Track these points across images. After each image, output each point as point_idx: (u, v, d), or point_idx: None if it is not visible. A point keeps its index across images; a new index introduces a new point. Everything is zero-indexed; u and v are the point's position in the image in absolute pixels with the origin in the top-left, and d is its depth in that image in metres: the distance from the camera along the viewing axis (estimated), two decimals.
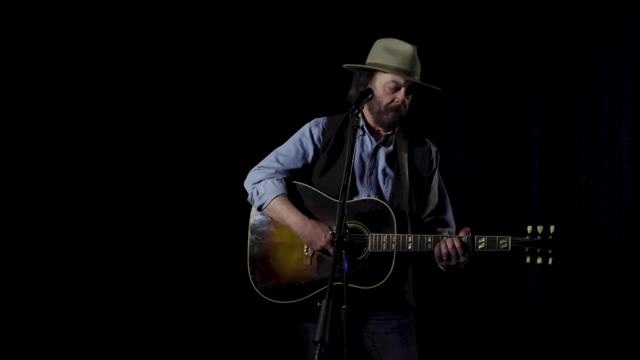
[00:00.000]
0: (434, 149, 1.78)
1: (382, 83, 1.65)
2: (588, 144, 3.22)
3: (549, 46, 3.27)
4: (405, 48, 1.67)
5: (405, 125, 1.78)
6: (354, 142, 1.41)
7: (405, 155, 1.72)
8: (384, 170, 1.71)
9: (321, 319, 1.22)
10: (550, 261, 1.53)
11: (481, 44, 3.40)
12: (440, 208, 1.77)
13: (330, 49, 2.98)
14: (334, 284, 1.27)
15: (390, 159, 1.72)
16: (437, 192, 1.77)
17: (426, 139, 1.81)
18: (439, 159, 1.79)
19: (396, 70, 1.63)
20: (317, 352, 1.21)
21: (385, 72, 1.64)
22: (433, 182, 1.76)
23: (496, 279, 3.47)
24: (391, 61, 1.65)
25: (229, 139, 3.34)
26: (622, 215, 3.16)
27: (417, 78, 1.66)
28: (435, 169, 1.76)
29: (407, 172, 1.70)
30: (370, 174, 1.71)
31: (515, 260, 3.29)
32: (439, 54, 3.38)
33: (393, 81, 1.64)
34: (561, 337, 3.34)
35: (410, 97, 1.67)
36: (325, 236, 1.62)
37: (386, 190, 1.70)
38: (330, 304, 1.23)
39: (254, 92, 3.47)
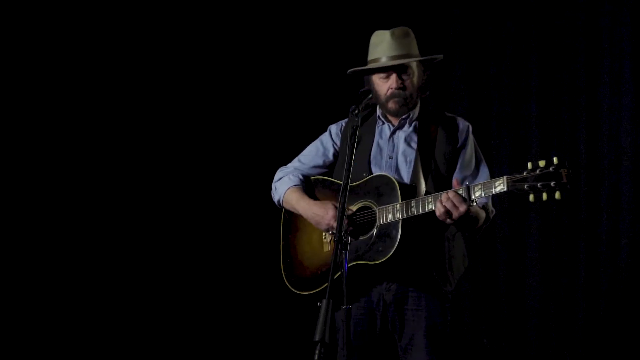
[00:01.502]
0: (462, 125, 1.74)
1: (376, 77, 1.69)
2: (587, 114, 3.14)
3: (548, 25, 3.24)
4: (384, 37, 1.69)
5: (430, 107, 1.80)
6: (354, 142, 1.49)
7: (428, 136, 1.72)
8: (404, 152, 1.71)
9: (321, 319, 1.26)
10: (557, 195, 1.35)
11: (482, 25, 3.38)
12: (474, 177, 1.69)
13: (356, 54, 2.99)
14: (350, 264, 1.38)
15: (410, 141, 1.72)
16: (470, 163, 1.72)
17: (455, 116, 1.78)
18: (469, 132, 1.73)
19: (380, 61, 1.66)
20: (316, 352, 1.25)
21: (373, 67, 1.68)
22: (464, 155, 1.71)
23: (496, 277, 3.41)
24: (375, 54, 1.69)
25: (269, 144, 3.41)
26: (623, 207, 3.08)
27: (404, 59, 1.66)
28: (464, 143, 1.71)
29: (431, 151, 1.69)
30: (390, 157, 1.72)
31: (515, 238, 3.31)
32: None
33: (381, 71, 1.67)
34: (560, 336, 3.27)
35: (408, 77, 1.67)
36: (327, 213, 1.65)
37: (407, 171, 1.69)
38: (331, 303, 1.28)
39: (285, 99, 3.57)
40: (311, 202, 1.74)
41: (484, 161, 1.75)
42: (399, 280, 1.66)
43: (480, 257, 3.37)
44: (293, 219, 1.85)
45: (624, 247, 3.10)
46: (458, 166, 1.70)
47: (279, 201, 1.84)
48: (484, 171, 1.73)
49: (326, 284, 1.50)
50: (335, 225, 1.50)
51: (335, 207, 1.60)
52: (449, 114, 1.80)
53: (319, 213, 1.68)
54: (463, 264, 1.75)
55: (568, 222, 3.22)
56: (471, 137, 1.73)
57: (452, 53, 3.32)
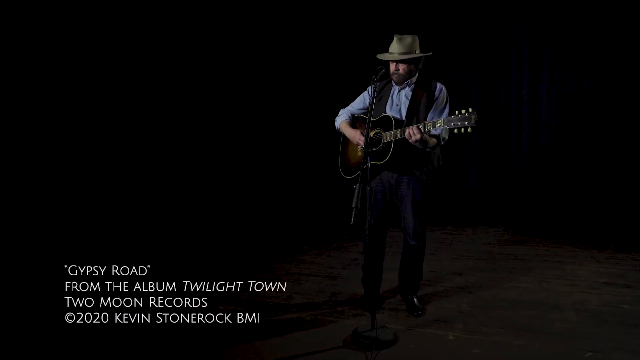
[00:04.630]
0: (439, 87, 2.89)
1: (389, 62, 2.86)
2: (504, 95, 5.93)
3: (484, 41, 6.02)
4: (396, 39, 2.82)
5: (425, 79, 2.92)
6: (374, 98, 2.70)
7: (417, 94, 2.86)
8: (404, 103, 2.90)
9: (355, 194, 2.26)
10: (469, 130, 2.47)
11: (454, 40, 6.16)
12: (439, 115, 2.83)
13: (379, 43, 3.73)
14: (364, 167, 2.52)
15: (408, 96, 2.90)
16: (438, 110, 2.84)
17: (437, 84, 2.90)
18: (442, 92, 2.88)
19: (391, 55, 2.82)
20: (352, 215, 2.18)
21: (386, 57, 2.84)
22: (434, 105, 2.84)
23: (452, 169, 6.12)
24: (391, 49, 2.83)
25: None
26: (523, 127, 5.82)
27: (403, 57, 2.79)
28: (436, 98, 2.86)
29: (417, 102, 2.84)
30: (397, 105, 2.91)
31: (463, 151, 6.12)
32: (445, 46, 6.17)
33: (389, 60, 2.85)
34: (488, 201, 6.00)
35: (403, 65, 2.82)
36: (357, 135, 2.94)
37: (405, 112, 2.87)
38: (361, 186, 2.30)
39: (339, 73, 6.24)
40: (352, 129, 3.01)
41: (447, 108, 2.87)
42: (398, 172, 2.91)
43: (449, 162, 6.08)
44: (345, 139, 3.13)
45: (523, 155, 5.84)
46: (432, 109, 2.84)
47: (338, 127, 3.13)
48: (445, 113, 2.85)
49: (359, 172, 2.78)
50: (360, 141, 2.90)
51: (362, 133, 2.91)
52: (434, 81, 2.92)
53: (356, 135, 2.96)
54: (438, 163, 2.96)
55: (493, 140, 5.96)
56: (443, 93, 2.88)
57: (450, 52, 6.20)
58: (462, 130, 2.46)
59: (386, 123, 2.82)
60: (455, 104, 3.00)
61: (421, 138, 2.61)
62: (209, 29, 5.74)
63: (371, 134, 2.88)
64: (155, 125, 5.33)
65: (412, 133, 2.61)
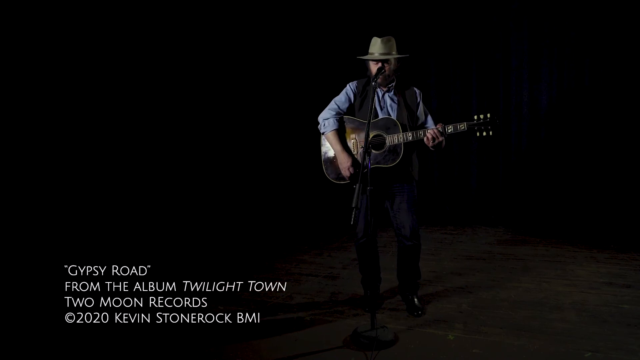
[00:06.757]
0: (418, 91, 3.00)
1: (371, 63, 2.87)
2: (504, 94, 5.90)
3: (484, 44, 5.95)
4: (377, 41, 2.82)
5: (403, 83, 3.00)
6: (373, 96, 2.62)
7: (402, 97, 2.95)
8: (391, 105, 2.93)
9: (355, 194, 2.28)
10: (491, 133, 2.75)
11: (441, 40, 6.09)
12: (424, 121, 3.01)
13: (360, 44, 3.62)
14: (371, 166, 2.55)
15: (393, 99, 2.94)
16: (422, 113, 2.98)
17: (414, 88, 3.00)
18: (421, 96, 3.00)
19: (374, 55, 2.82)
20: (352, 215, 2.20)
21: (370, 58, 2.84)
22: (419, 108, 2.97)
23: (453, 171, 6.15)
24: (372, 50, 2.85)
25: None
26: (523, 127, 5.83)
27: (385, 56, 2.80)
28: (419, 102, 2.97)
29: (403, 105, 2.92)
30: (382, 108, 2.92)
31: (463, 151, 6.10)
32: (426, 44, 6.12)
33: (372, 60, 2.84)
34: (488, 202, 5.98)
35: (388, 65, 2.83)
36: (348, 161, 2.89)
37: (394, 115, 2.91)
38: (360, 186, 2.33)
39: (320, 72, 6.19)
40: (342, 149, 2.92)
41: (428, 112, 3.04)
42: (397, 173, 2.91)
43: (449, 162, 6.17)
44: (334, 140, 2.96)
45: (522, 155, 5.84)
46: (418, 112, 2.95)
47: (324, 133, 3.00)
48: (429, 118, 3.03)
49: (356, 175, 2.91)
50: (350, 170, 2.88)
51: (352, 158, 2.90)
52: (411, 86, 3.01)
53: (343, 160, 2.90)
54: (417, 167, 3.03)
55: (493, 142, 5.92)
56: (421, 99, 2.99)
57: (429, 53, 6.12)
58: (485, 133, 2.73)
59: (388, 125, 2.84)
60: (455, 105, 2.95)
61: (443, 140, 2.76)
62: (206, 31, 5.74)
63: (370, 135, 2.84)
64: (156, 126, 5.33)
65: (436, 135, 2.72)
